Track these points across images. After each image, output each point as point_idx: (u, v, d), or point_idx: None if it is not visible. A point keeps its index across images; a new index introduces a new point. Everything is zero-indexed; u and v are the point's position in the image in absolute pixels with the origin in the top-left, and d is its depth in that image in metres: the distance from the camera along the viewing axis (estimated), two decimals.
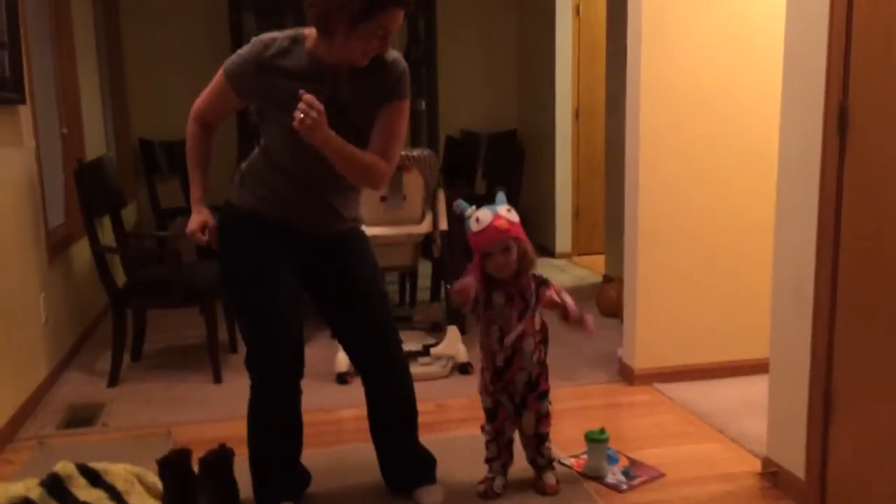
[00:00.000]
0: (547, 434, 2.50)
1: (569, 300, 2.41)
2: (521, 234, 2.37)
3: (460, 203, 2.42)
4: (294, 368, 2.28)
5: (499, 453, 2.49)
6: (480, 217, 2.34)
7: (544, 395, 2.46)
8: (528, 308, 2.38)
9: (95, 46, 5.13)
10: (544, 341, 2.45)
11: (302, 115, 1.96)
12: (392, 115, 2.18)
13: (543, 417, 2.47)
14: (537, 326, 2.42)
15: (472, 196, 4.80)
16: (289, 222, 2.24)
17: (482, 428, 2.51)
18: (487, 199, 4.89)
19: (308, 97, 1.97)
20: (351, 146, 2.10)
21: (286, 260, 2.25)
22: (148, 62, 5.92)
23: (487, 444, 2.50)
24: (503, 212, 2.35)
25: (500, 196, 2.42)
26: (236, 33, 5.81)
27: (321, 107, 1.99)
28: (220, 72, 2.21)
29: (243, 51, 2.17)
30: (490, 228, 2.32)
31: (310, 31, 2.14)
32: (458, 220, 3.94)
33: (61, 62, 4.23)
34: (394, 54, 2.20)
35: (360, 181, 2.22)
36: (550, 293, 2.40)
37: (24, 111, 3.46)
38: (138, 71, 5.91)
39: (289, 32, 2.18)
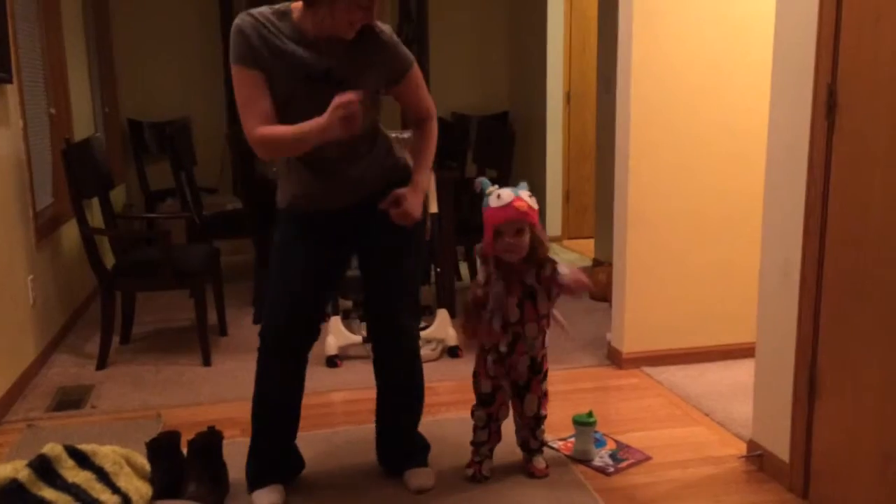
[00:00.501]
0: (544, 417, 2.51)
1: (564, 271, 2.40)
2: (537, 222, 2.36)
3: (482, 181, 2.42)
4: (297, 340, 2.32)
5: (489, 437, 2.50)
6: (502, 194, 2.33)
7: (546, 375, 2.48)
8: (529, 294, 2.37)
9: (83, 25, 5.08)
10: (547, 325, 2.45)
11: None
12: (416, 81, 2.28)
13: (544, 398, 2.49)
14: (541, 311, 2.40)
15: (464, 180, 4.80)
16: (325, 208, 2.29)
17: (472, 413, 2.51)
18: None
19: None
20: (424, 160, 2.29)
21: (318, 240, 2.29)
22: (137, 42, 5.86)
23: (477, 428, 2.50)
24: (525, 195, 2.35)
25: (523, 184, 2.42)
26: (225, 13, 5.75)
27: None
28: (234, 68, 2.13)
29: (232, 32, 2.13)
30: (509, 207, 2.30)
31: (296, 5, 2.13)
32: (448, 202, 3.96)
33: (49, 41, 4.19)
34: (384, 26, 2.21)
35: (419, 131, 2.36)
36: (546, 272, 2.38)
37: (11, 90, 3.43)
38: (127, 51, 5.86)
39: (276, 6, 2.17)
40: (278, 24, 2.13)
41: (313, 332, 2.35)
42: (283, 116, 2.14)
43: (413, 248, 2.39)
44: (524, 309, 2.37)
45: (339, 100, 1.98)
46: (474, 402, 2.50)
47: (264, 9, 2.15)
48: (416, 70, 2.28)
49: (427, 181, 2.30)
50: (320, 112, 2.04)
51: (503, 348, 2.40)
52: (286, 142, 2.10)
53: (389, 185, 2.27)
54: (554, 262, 2.39)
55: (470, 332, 2.42)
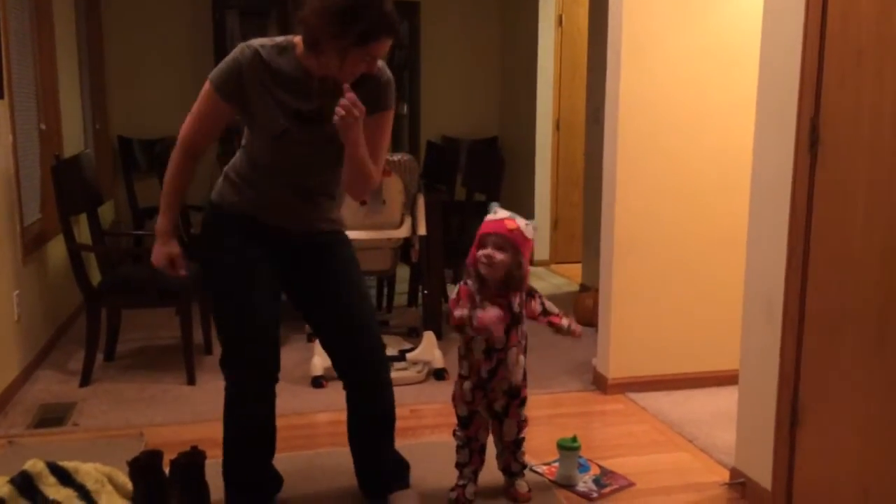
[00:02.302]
0: (523, 440, 2.52)
1: (554, 310, 2.52)
2: (525, 250, 2.36)
3: (494, 205, 2.47)
4: (268, 369, 2.28)
5: (470, 459, 2.50)
6: (500, 212, 2.40)
7: (524, 401, 2.49)
8: (514, 321, 2.39)
9: (76, 42, 5.09)
10: (525, 350, 2.47)
11: (344, 113, 2.01)
12: (380, 124, 2.23)
13: (523, 423, 2.50)
14: (521, 337, 2.43)
15: (452, 203, 4.83)
16: (271, 221, 2.26)
17: (454, 433, 2.52)
18: (468, 206, 4.90)
19: (352, 96, 2.01)
20: (365, 151, 2.17)
21: (265, 261, 2.25)
22: (128, 59, 5.89)
23: (459, 449, 2.51)
24: (522, 221, 2.39)
25: (533, 221, 2.47)
26: (219, 32, 5.80)
27: (363, 108, 2.04)
28: (207, 84, 2.17)
29: (229, 58, 2.15)
30: (500, 222, 2.36)
31: (299, 40, 2.14)
32: (436, 225, 3.98)
33: (41, 57, 4.20)
34: (379, 64, 2.21)
35: (356, 187, 2.25)
36: (535, 306, 2.46)
37: (2, 105, 3.43)
38: (118, 68, 5.88)
39: (278, 40, 2.17)
40: (278, 59, 2.13)
41: (276, 347, 2.30)
42: (279, 147, 2.16)
43: (357, 266, 2.38)
44: (509, 336, 2.39)
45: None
46: (456, 425, 2.52)
47: (266, 43, 2.15)
48: (390, 116, 2.26)
49: (363, 148, 2.14)
50: (312, 146, 2.15)
51: (484, 374, 2.41)
52: (168, 171, 2.27)
53: (327, 233, 2.32)
54: (540, 295, 2.48)
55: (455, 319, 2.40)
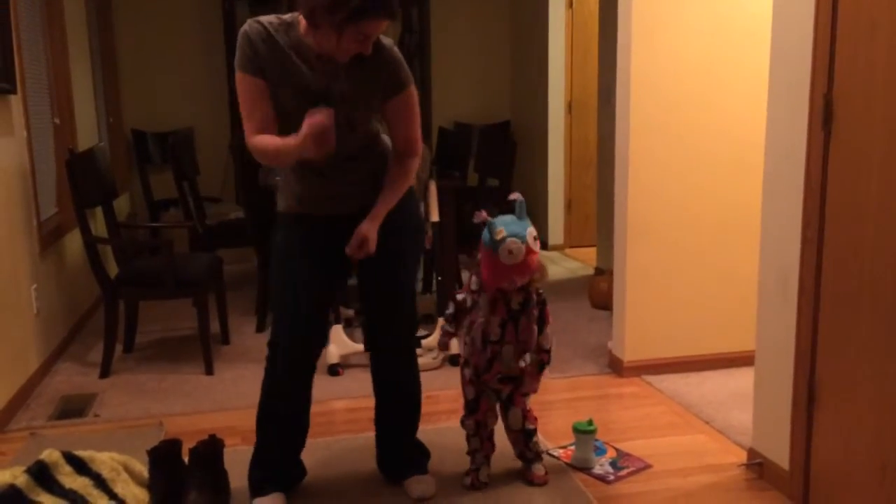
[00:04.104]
0: (534, 430, 2.52)
1: (545, 346, 2.47)
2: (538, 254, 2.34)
3: (486, 218, 2.34)
4: (306, 353, 2.32)
5: (481, 445, 2.51)
6: (513, 249, 2.25)
7: (527, 394, 2.50)
8: (511, 317, 2.38)
9: (88, 36, 5.12)
10: (527, 350, 2.44)
11: (360, 255, 2.16)
12: (407, 103, 2.26)
13: (530, 414, 2.50)
14: (521, 335, 2.40)
15: (465, 189, 4.81)
16: (322, 211, 2.30)
17: (462, 422, 2.51)
18: (481, 192, 4.88)
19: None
20: (388, 197, 2.26)
21: (320, 250, 2.30)
22: (140, 52, 5.91)
23: (469, 437, 2.51)
24: (532, 240, 2.29)
25: (521, 204, 2.34)
26: (229, 23, 5.80)
27: (370, 248, 2.17)
28: (238, 74, 2.17)
29: (239, 37, 2.16)
30: (524, 266, 2.27)
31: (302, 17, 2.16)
32: (450, 211, 3.98)
33: (53, 52, 4.22)
34: (386, 42, 2.22)
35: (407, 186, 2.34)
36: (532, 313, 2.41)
37: (16, 101, 3.46)
38: (131, 61, 5.90)
39: (285, 17, 2.19)
40: (285, 35, 2.15)
41: (321, 343, 2.36)
42: (286, 126, 2.17)
43: (409, 259, 2.40)
44: (505, 330, 2.38)
45: (308, 120, 2.00)
46: (463, 412, 2.51)
47: (272, 18, 2.17)
48: (411, 93, 2.25)
49: (384, 213, 2.27)
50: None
51: (481, 363, 2.41)
52: (270, 153, 2.14)
53: (367, 207, 2.30)
54: (545, 310, 2.44)
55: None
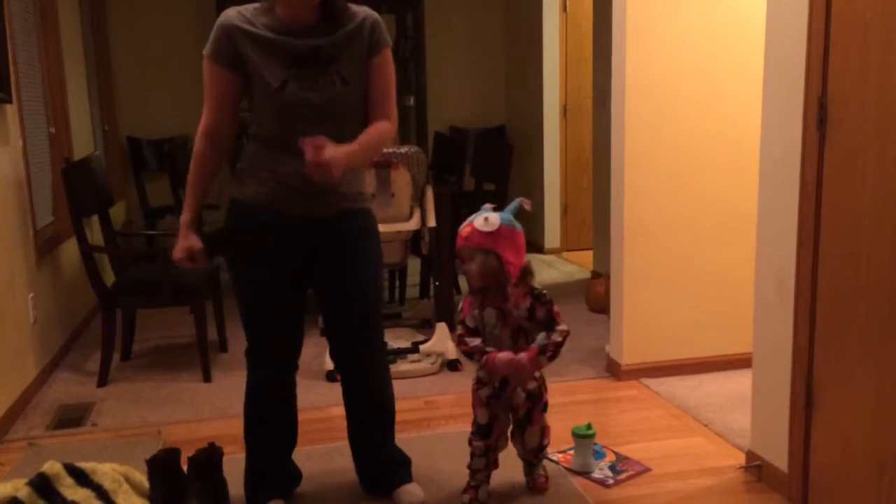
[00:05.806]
0: (547, 445, 2.47)
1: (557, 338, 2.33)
2: (496, 245, 2.24)
3: (484, 208, 2.34)
4: (287, 359, 2.32)
5: (486, 466, 2.43)
6: (475, 217, 2.29)
7: (546, 407, 2.43)
8: (521, 327, 2.32)
9: (83, 44, 5.12)
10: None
11: (318, 172, 2.05)
12: (382, 66, 2.25)
13: (546, 429, 2.44)
14: (535, 341, 2.31)
15: (462, 193, 4.82)
16: (290, 208, 2.22)
17: (470, 442, 2.41)
18: (478, 197, 4.90)
19: (310, 150, 2.01)
20: (364, 140, 2.18)
21: (288, 254, 2.25)
22: (135, 60, 5.91)
23: (474, 456, 2.41)
24: (479, 221, 2.26)
25: (515, 203, 2.34)
26: None
27: (324, 141, 2.04)
28: (204, 61, 2.23)
29: (214, 28, 2.19)
30: (459, 233, 2.28)
31: None
32: (446, 216, 3.98)
33: (48, 61, 4.22)
34: (363, 8, 2.24)
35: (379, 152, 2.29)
36: (539, 314, 2.32)
37: (11, 110, 3.46)
38: (125, 69, 5.90)
39: (257, 5, 2.21)
40: (263, 18, 2.17)
41: (299, 344, 2.34)
42: (280, 99, 2.14)
43: (375, 262, 2.34)
44: (517, 342, 2.32)
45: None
46: (472, 431, 2.41)
47: (248, 7, 2.20)
48: (387, 57, 2.25)
49: (354, 157, 2.14)
50: (314, 92, 2.14)
51: (497, 382, 2.35)
52: (195, 157, 2.27)
53: (349, 213, 2.27)
54: (540, 294, 2.33)
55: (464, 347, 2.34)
